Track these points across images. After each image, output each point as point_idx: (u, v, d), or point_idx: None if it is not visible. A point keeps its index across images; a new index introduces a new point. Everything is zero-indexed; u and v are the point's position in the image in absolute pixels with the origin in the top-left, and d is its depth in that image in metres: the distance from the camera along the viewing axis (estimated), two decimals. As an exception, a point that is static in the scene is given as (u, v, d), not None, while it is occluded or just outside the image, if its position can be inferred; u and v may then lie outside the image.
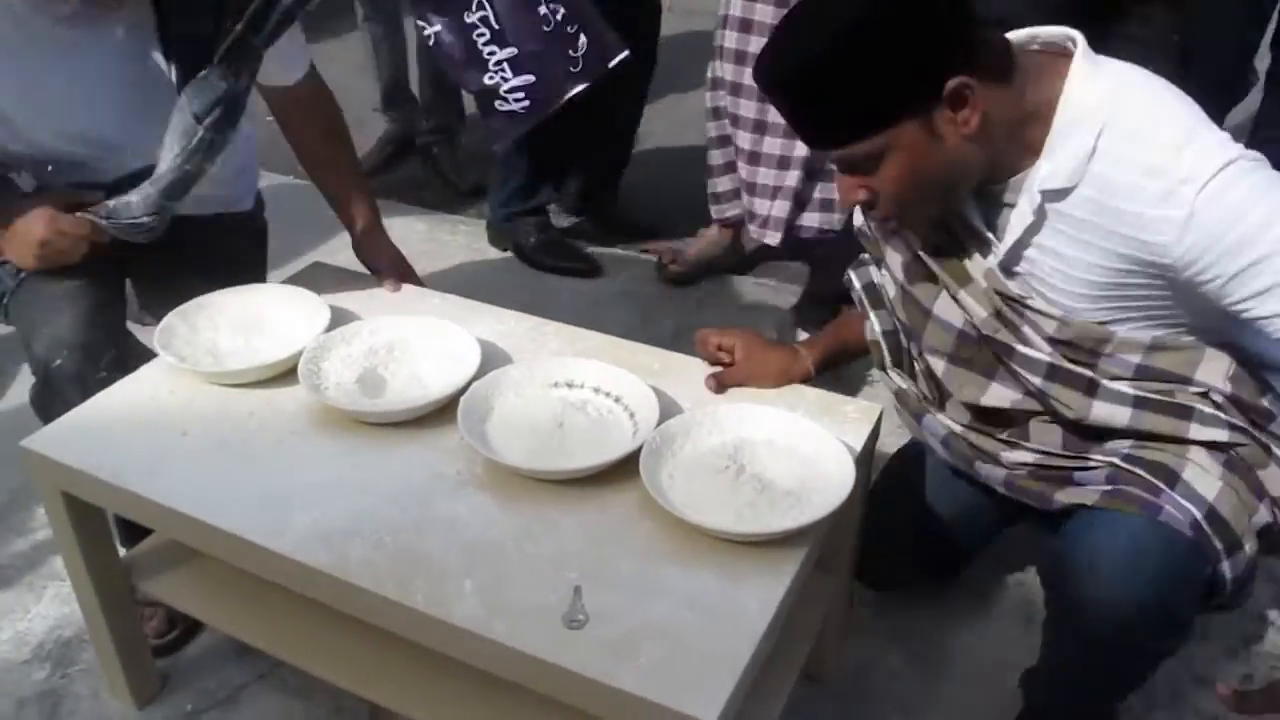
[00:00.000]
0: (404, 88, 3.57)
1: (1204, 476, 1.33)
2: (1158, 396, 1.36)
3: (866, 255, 1.63)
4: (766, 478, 1.37)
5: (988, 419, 1.52)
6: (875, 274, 1.62)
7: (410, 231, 3.17)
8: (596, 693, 1.14)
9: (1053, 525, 1.47)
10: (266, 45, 1.60)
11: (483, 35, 2.49)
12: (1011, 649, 1.84)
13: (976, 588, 1.97)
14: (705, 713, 1.09)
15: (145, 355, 1.71)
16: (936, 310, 1.47)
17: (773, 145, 2.48)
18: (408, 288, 1.87)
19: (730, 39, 2.42)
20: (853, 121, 1.27)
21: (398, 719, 1.52)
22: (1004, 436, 1.50)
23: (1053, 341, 1.38)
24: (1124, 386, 1.37)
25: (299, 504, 1.38)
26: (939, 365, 1.49)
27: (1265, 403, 1.38)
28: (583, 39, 2.50)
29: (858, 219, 1.59)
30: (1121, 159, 1.24)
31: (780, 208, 2.51)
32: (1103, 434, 1.43)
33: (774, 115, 2.45)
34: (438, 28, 2.52)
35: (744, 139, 2.50)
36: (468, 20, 2.48)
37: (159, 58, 1.61)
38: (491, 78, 2.52)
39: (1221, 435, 1.35)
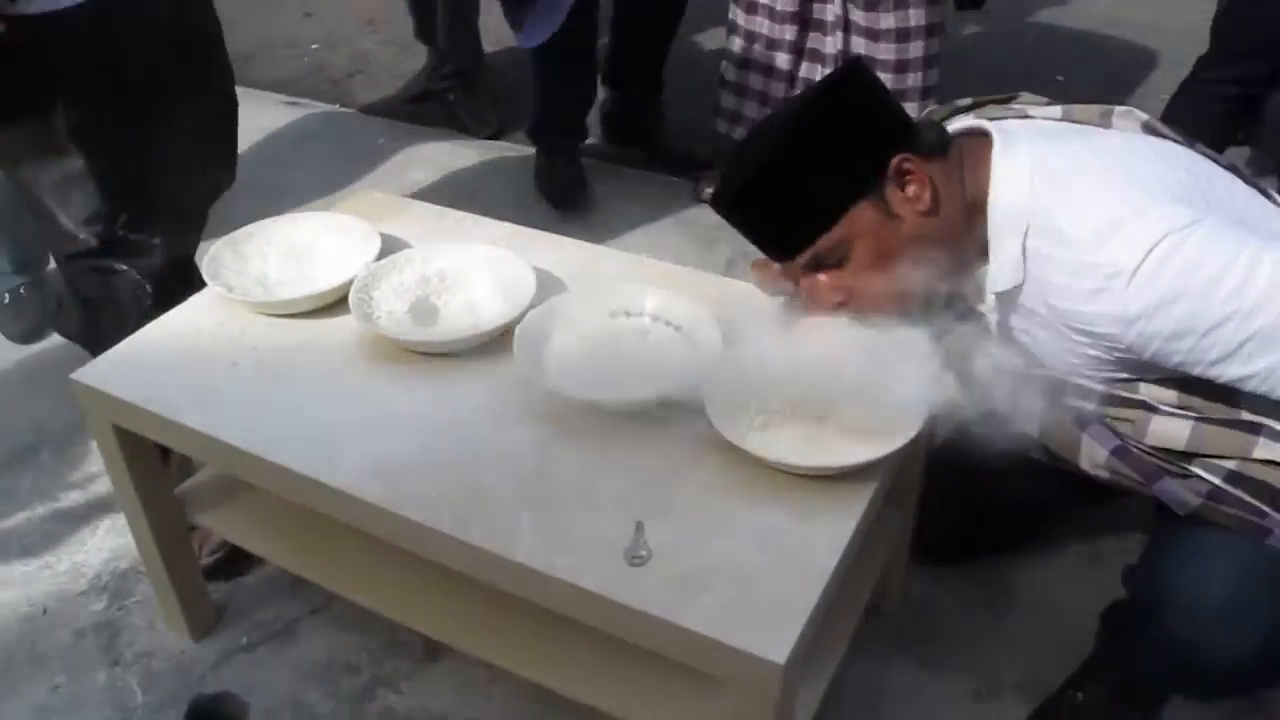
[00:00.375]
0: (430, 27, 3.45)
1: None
2: (1219, 412, 1.27)
3: None
4: (835, 410, 1.31)
5: None
6: None
7: (458, 159, 3.13)
8: (661, 631, 1.10)
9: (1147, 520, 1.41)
10: None
11: None
12: (1077, 587, 1.80)
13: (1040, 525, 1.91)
14: (774, 653, 1.05)
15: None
16: None
17: (760, 53, 2.56)
18: (457, 214, 1.82)
19: None
20: (808, 218, 1.27)
21: (454, 653, 1.50)
22: None
23: None
24: (1176, 409, 1.29)
25: (351, 437, 1.35)
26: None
27: None
28: None
29: None
30: (1050, 259, 1.21)
31: None
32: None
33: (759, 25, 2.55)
34: None
35: (737, 44, 2.60)
36: None
37: None
38: None
39: None
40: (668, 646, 1.12)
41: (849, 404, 1.31)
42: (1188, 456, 1.30)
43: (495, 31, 3.38)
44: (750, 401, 1.33)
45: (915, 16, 2.42)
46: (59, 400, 1.81)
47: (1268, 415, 1.24)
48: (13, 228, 2.38)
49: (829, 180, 1.25)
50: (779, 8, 2.50)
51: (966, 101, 1.44)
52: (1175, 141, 1.31)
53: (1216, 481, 1.28)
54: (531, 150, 3.05)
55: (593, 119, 3.01)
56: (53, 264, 2.36)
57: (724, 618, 1.09)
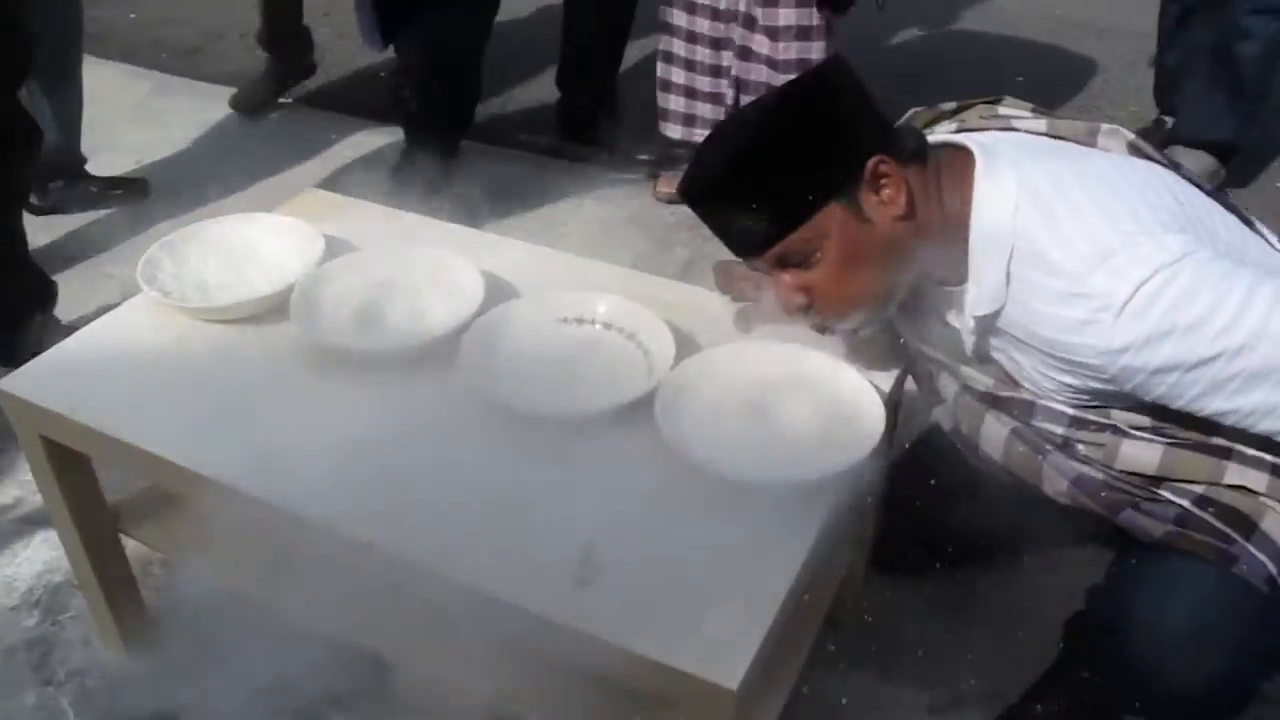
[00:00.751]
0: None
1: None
2: (1191, 436, 1.24)
3: None
4: (790, 422, 1.28)
5: None
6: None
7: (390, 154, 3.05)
8: (609, 655, 1.06)
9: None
10: None
11: None
12: (1037, 595, 1.78)
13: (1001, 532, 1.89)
14: (727, 679, 1.01)
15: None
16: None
17: (705, 55, 2.56)
18: (407, 216, 1.77)
19: None
20: (778, 216, 1.22)
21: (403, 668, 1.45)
22: None
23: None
24: (1151, 435, 1.27)
25: (292, 451, 1.28)
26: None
27: None
28: None
29: None
30: (1035, 285, 1.17)
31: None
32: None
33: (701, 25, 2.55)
34: None
35: (679, 46, 2.59)
36: None
37: None
38: None
39: (1262, 480, 1.22)
40: (616, 670, 1.08)
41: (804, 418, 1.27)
42: (1156, 481, 1.27)
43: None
44: (704, 414, 1.29)
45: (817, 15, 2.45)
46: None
47: (1239, 441, 1.22)
48: None
49: (801, 179, 1.21)
50: (723, 6, 2.49)
51: (951, 106, 1.40)
52: (1161, 164, 1.27)
53: (1185, 505, 1.25)
54: (494, 147, 3.02)
55: (550, 118, 2.98)
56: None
57: (675, 642, 1.04)
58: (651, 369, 1.35)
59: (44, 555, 1.84)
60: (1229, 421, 1.15)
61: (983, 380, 1.34)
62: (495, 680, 1.34)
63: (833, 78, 1.23)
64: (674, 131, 2.70)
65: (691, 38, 2.56)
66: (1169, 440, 1.25)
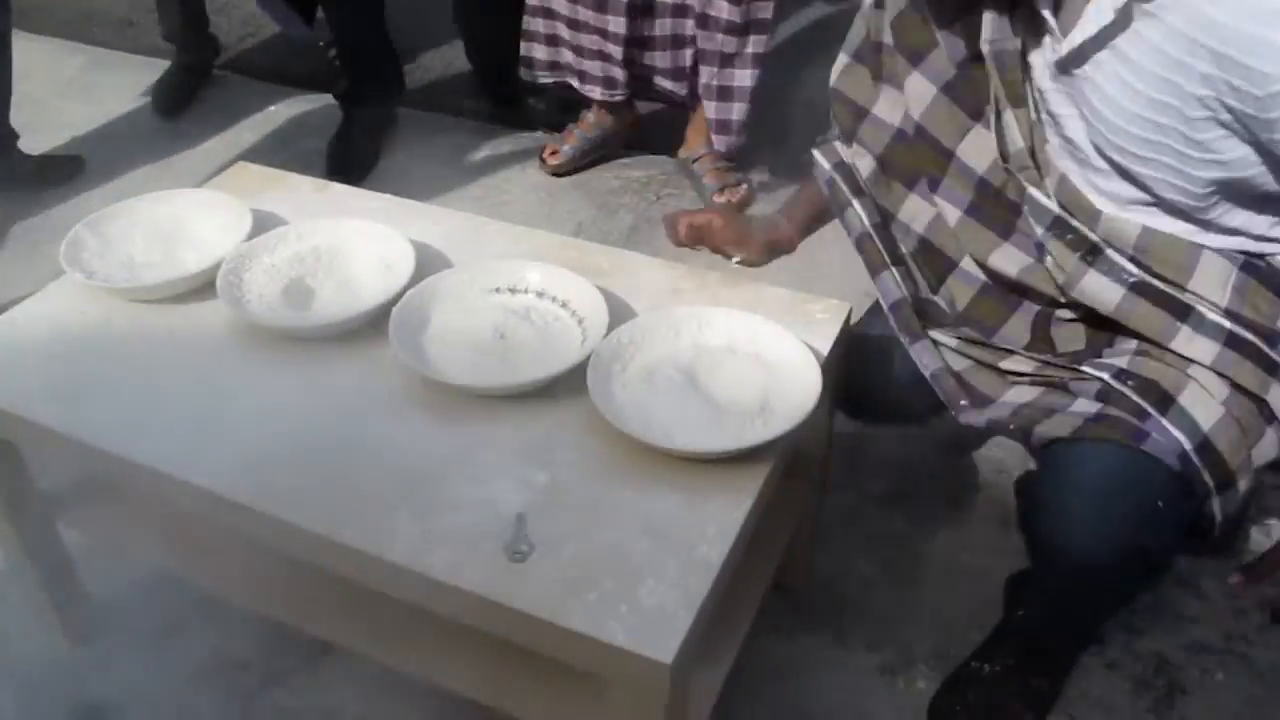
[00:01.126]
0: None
1: (1204, 401, 1.20)
2: (1158, 284, 1.22)
3: (833, 132, 1.49)
4: (726, 388, 1.26)
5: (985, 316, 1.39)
6: (844, 151, 1.47)
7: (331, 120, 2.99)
8: (542, 631, 1.04)
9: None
10: None
11: None
12: (986, 554, 1.78)
13: (948, 492, 1.89)
14: (661, 653, 0.99)
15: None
16: (960, 152, 1.33)
17: (587, 15, 2.46)
18: (338, 187, 1.73)
19: None
20: None
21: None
22: (1000, 344, 1.36)
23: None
24: (1124, 262, 1.24)
25: (221, 431, 1.26)
26: (952, 216, 1.36)
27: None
28: None
29: (835, 76, 1.44)
30: None
31: (617, 70, 2.52)
32: (1099, 348, 1.31)
33: None
34: None
35: (561, 4, 2.49)
36: None
37: None
38: None
39: (1211, 351, 1.20)
40: (550, 646, 1.06)
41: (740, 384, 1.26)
42: (1082, 358, 1.27)
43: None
44: (637, 382, 1.27)
45: None
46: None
47: (1208, 294, 1.20)
48: None
49: None
50: None
51: None
52: None
53: (1105, 378, 1.23)
54: (434, 114, 2.98)
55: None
56: None
57: (608, 616, 1.03)
58: (585, 338, 1.33)
59: (-20, 544, 1.80)
60: None
61: (1015, 139, 1.27)
62: (433, 657, 1.33)
63: None
64: (546, 76, 2.67)
65: None
66: (1134, 280, 1.23)
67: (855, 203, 1.44)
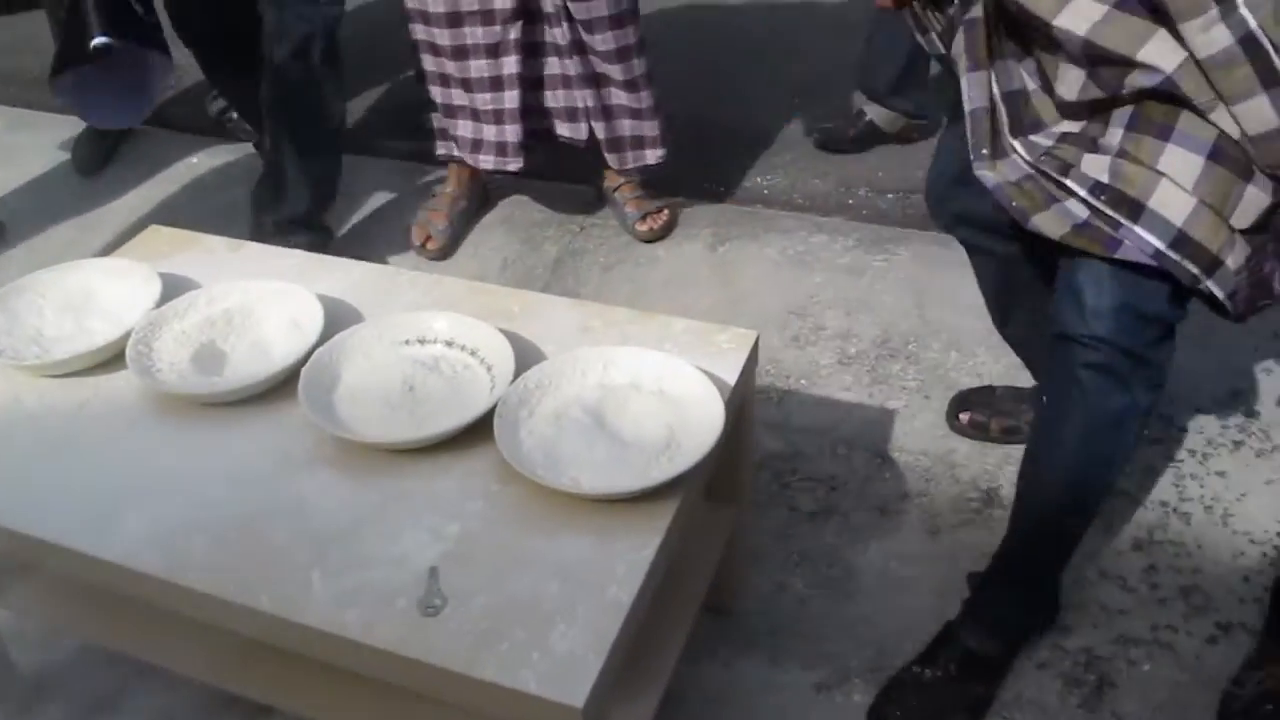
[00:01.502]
0: None
1: (1175, 197, 1.28)
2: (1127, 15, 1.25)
3: None
4: (632, 427, 1.28)
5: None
6: None
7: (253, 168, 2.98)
8: (457, 684, 1.05)
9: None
10: None
11: None
12: (917, 563, 1.81)
13: (876, 503, 1.92)
14: (572, 698, 1.01)
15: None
16: None
17: (480, 68, 2.40)
18: (249, 246, 1.74)
19: None
20: None
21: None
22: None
23: None
24: None
25: (133, 503, 1.26)
26: None
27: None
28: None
29: None
30: None
31: (512, 131, 2.46)
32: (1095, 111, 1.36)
33: (472, 38, 2.35)
34: None
35: (450, 66, 2.42)
36: None
37: None
38: None
39: (1195, 166, 1.27)
40: (467, 698, 1.07)
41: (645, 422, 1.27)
42: (1066, 170, 1.34)
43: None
44: (543, 427, 1.29)
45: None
46: None
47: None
48: None
49: None
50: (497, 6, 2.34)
51: None
52: None
53: (1083, 194, 1.32)
54: (359, 156, 2.99)
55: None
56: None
57: (520, 665, 1.04)
58: (494, 384, 1.35)
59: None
60: None
61: None
62: (369, 711, 1.33)
63: None
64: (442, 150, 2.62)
65: (460, 53, 2.40)
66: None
67: None
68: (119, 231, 2.71)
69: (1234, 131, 1.24)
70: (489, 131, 2.48)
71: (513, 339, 1.41)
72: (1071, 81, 1.34)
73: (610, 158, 2.53)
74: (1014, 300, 1.81)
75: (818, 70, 3.39)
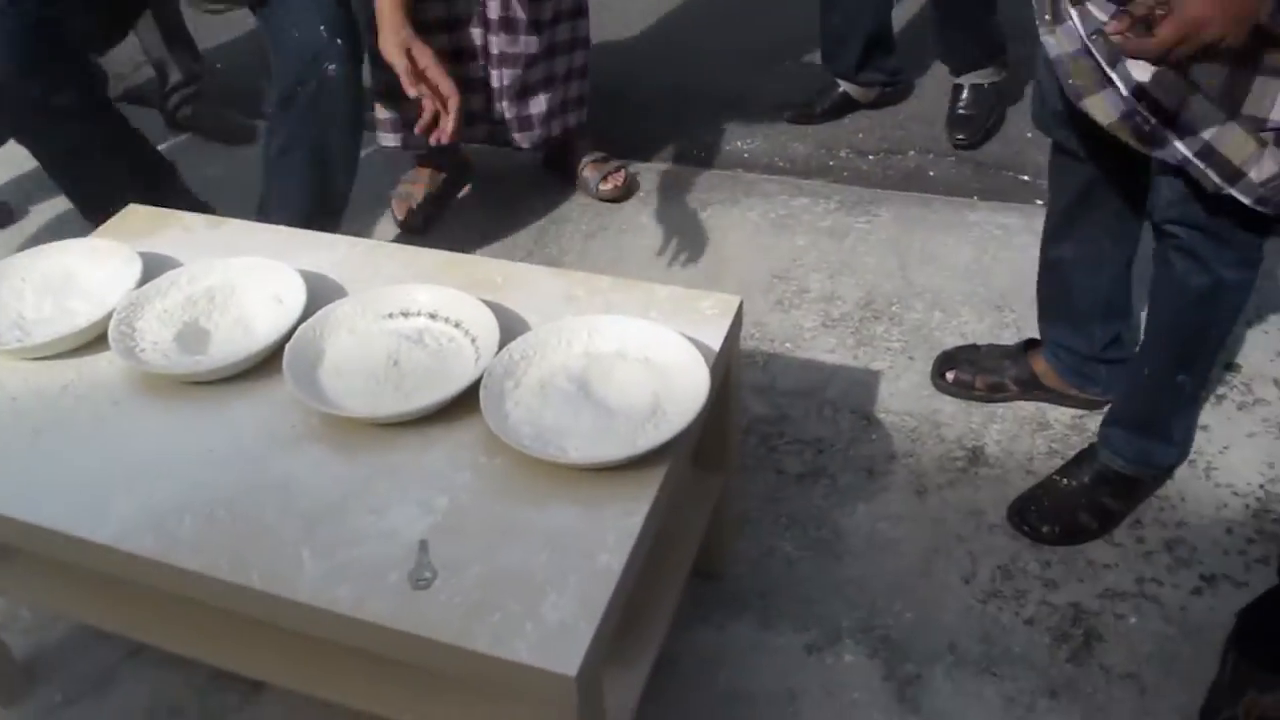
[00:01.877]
0: None
1: (1206, 110, 1.36)
2: None
3: None
4: (618, 395, 1.28)
5: None
6: None
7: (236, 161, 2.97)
8: (449, 655, 1.06)
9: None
10: None
11: None
12: (904, 524, 1.82)
13: (862, 464, 1.93)
14: (565, 666, 1.02)
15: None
16: None
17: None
18: (230, 223, 1.73)
19: None
20: None
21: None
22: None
23: None
24: None
25: (119, 485, 1.26)
26: None
27: None
28: None
29: None
30: None
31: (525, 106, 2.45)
32: None
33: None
34: None
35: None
36: None
37: None
38: None
39: None
40: (459, 669, 1.08)
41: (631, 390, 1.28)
42: (1114, 59, 1.40)
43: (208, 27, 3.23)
44: (529, 398, 1.29)
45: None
46: None
47: None
48: None
49: None
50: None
51: None
52: None
53: (1125, 91, 1.41)
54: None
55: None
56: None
57: (513, 635, 1.05)
58: (479, 356, 1.34)
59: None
60: None
61: None
62: (360, 684, 1.34)
63: None
64: (390, 140, 2.51)
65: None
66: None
67: None
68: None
69: None
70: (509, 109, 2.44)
71: (496, 310, 1.41)
72: None
73: (520, 138, 2.49)
74: (1081, 215, 1.85)
75: (786, 36, 3.38)
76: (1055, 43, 1.47)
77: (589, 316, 1.38)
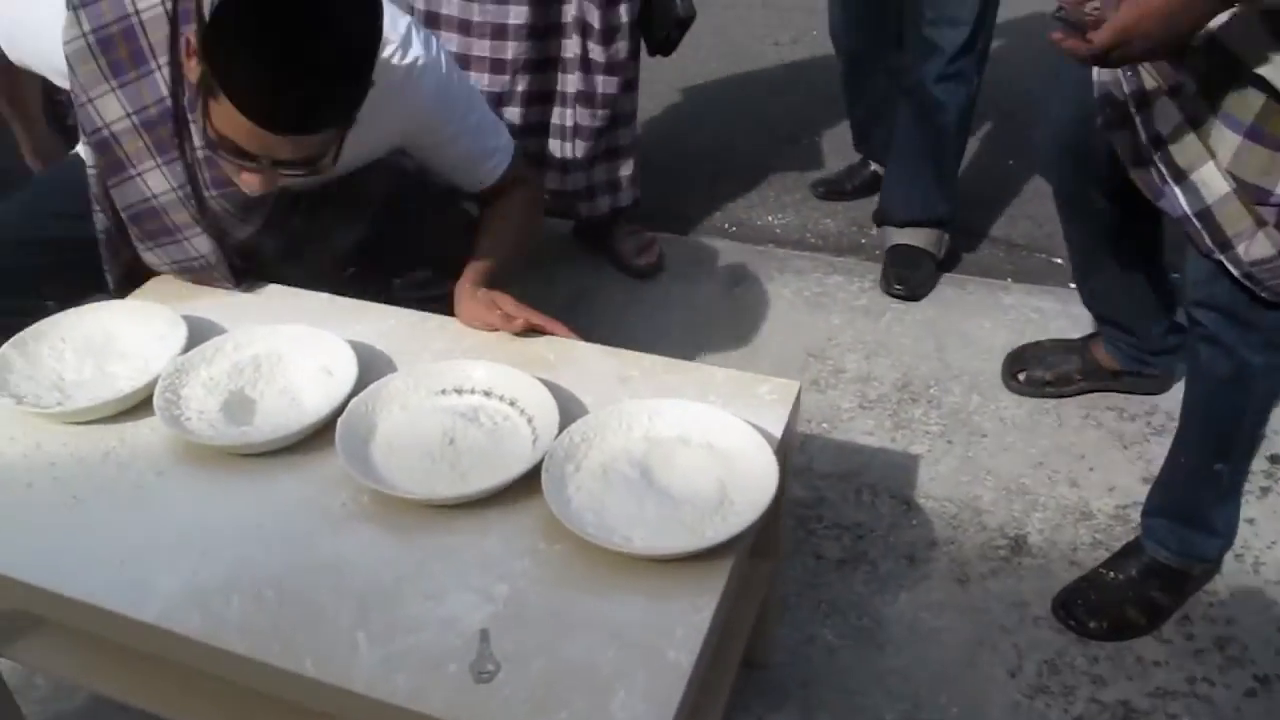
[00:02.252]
0: None
1: (1214, 178, 1.38)
2: None
3: None
4: (682, 482, 1.25)
5: None
6: None
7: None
8: (517, 755, 1.02)
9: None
10: None
11: None
12: (946, 613, 1.78)
13: (903, 551, 1.89)
14: (637, 770, 0.98)
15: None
16: None
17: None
18: (270, 288, 1.70)
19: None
20: None
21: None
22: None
23: None
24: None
25: (164, 560, 1.22)
26: None
27: None
28: None
29: None
30: None
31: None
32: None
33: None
34: None
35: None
36: None
37: None
38: None
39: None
40: (524, 770, 1.04)
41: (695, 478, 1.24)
42: (1143, 100, 1.44)
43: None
44: (591, 483, 1.25)
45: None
46: None
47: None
48: None
49: None
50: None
51: None
52: None
53: (1144, 139, 1.45)
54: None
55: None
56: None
57: (582, 734, 1.01)
58: (536, 437, 1.31)
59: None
60: None
61: None
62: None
63: None
64: None
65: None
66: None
67: None
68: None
69: None
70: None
71: (551, 389, 1.38)
72: None
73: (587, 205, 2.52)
74: (1106, 250, 1.95)
75: (814, 111, 3.39)
76: (1096, 72, 1.51)
77: (649, 400, 1.35)
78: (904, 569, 1.86)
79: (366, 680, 1.08)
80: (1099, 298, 2.11)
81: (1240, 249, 1.40)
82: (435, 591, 1.16)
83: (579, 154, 2.40)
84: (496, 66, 2.28)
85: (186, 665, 1.21)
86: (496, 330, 1.54)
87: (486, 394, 1.39)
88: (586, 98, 2.33)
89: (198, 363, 1.46)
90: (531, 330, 1.54)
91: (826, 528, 1.94)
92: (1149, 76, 1.43)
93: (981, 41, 2.35)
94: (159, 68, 1.50)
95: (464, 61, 2.26)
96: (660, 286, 2.61)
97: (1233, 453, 1.68)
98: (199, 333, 1.54)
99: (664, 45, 2.41)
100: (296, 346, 1.49)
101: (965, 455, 2.07)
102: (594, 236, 2.69)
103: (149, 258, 1.67)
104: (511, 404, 1.38)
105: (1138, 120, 1.45)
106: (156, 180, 1.57)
